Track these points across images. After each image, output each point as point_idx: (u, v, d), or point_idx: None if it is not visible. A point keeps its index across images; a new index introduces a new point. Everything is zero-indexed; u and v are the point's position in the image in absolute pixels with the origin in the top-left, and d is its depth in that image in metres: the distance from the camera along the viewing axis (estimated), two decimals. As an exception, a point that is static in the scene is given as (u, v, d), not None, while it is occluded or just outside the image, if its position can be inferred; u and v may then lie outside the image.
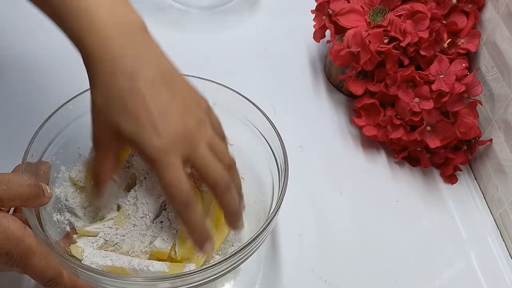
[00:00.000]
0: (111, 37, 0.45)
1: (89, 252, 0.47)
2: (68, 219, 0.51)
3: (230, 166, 0.47)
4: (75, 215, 0.51)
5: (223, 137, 0.50)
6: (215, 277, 0.45)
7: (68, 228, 0.51)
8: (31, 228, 0.44)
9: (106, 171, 0.48)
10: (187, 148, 0.44)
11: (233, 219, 0.47)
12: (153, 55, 0.47)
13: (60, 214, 0.51)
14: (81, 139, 0.54)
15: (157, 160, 0.43)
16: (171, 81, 0.47)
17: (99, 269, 0.45)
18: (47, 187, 0.46)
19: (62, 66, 0.71)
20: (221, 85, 0.56)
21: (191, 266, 0.47)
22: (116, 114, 0.44)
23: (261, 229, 0.46)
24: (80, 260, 0.46)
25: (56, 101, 0.53)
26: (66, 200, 0.52)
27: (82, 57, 0.46)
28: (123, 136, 0.44)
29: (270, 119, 0.55)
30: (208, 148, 0.46)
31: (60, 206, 0.52)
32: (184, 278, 0.43)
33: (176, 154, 0.44)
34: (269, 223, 0.47)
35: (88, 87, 0.47)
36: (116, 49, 0.45)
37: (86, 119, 0.54)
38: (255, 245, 0.47)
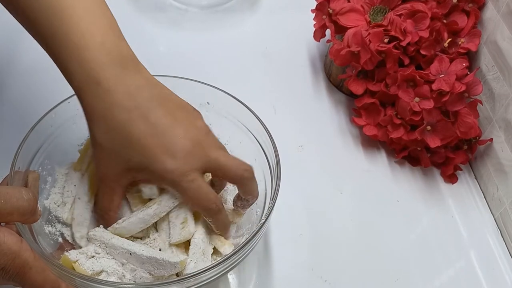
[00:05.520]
0: (102, 69, 0.44)
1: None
2: (59, 230, 0.50)
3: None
4: (66, 225, 0.51)
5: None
6: (211, 280, 0.45)
7: (60, 239, 0.50)
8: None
9: (116, 208, 0.48)
10: (201, 159, 0.45)
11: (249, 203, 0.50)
12: (145, 81, 0.47)
13: (51, 226, 0.50)
14: (66, 148, 0.53)
15: (179, 181, 0.44)
16: (166, 101, 0.47)
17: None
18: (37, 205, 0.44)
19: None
20: (214, 87, 0.56)
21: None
22: (122, 147, 0.44)
23: (253, 234, 0.46)
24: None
25: (40, 110, 0.52)
26: (56, 211, 0.51)
27: (74, 91, 0.46)
28: (134, 168, 0.45)
29: (262, 120, 0.54)
30: (219, 150, 0.47)
31: (50, 217, 0.51)
32: (180, 282, 0.43)
33: (194, 169, 0.45)
34: (260, 228, 0.47)
35: (70, 94, 0.46)
36: (108, 82, 0.44)
37: (68, 127, 0.53)
38: (247, 249, 0.46)
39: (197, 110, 0.50)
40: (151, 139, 0.44)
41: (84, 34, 0.45)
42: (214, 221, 0.48)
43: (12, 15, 0.49)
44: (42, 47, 0.47)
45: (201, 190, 0.45)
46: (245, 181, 0.48)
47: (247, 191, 0.49)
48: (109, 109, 0.44)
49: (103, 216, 0.49)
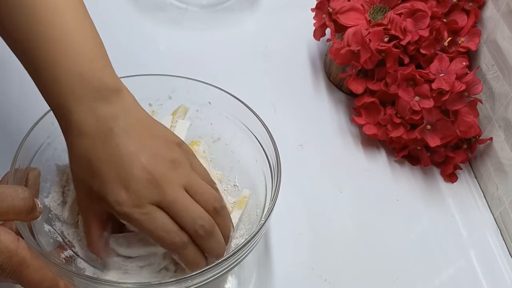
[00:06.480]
0: (75, 101, 0.44)
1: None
2: (59, 229, 0.50)
3: (215, 208, 0.45)
4: (66, 224, 0.51)
5: (208, 181, 0.47)
6: (211, 280, 0.45)
7: (59, 238, 0.50)
8: (24, 239, 0.42)
9: (95, 240, 0.47)
10: (155, 195, 0.43)
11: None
12: (121, 110, 0.45)
13: (51, 225, 0.50)
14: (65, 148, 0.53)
15: (130, 213, 0.42)
16: (139, 128, 0.45)
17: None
18: (38, 202, 0.44)
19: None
20: (215, 86, 0.56)
21: None
22: (86, 175, 0.44)
23: (252, 235, 0.46)
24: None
25: (41, 108, 0.51)
26: (56, 209, 0.51)
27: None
28: (97, 198, 0.44)
29: (263, 120, 0.54)
30: (182, 190, 0.44)
31: (50, 216, 0.51)
32: (180, 282, 0.43)
33: (148, 202, 0.42)
34: (260, 229, 0.47)
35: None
36: (79, 114, 0.44)
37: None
38: (247, 249, 0.46)
39: (184, 143, 0.47)
40: (108, 168, 0.43)
41: (63, 63, 0.44)
42: (181, 256, 0.44)
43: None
44: (24, 66, 0.48)
45: (157, 222, 0.42)
46: (198, 238, 0.44)
47: (205, 249, 0.45)
48: (77, 137, 0.44)
49: (91, 249, 0.48)
